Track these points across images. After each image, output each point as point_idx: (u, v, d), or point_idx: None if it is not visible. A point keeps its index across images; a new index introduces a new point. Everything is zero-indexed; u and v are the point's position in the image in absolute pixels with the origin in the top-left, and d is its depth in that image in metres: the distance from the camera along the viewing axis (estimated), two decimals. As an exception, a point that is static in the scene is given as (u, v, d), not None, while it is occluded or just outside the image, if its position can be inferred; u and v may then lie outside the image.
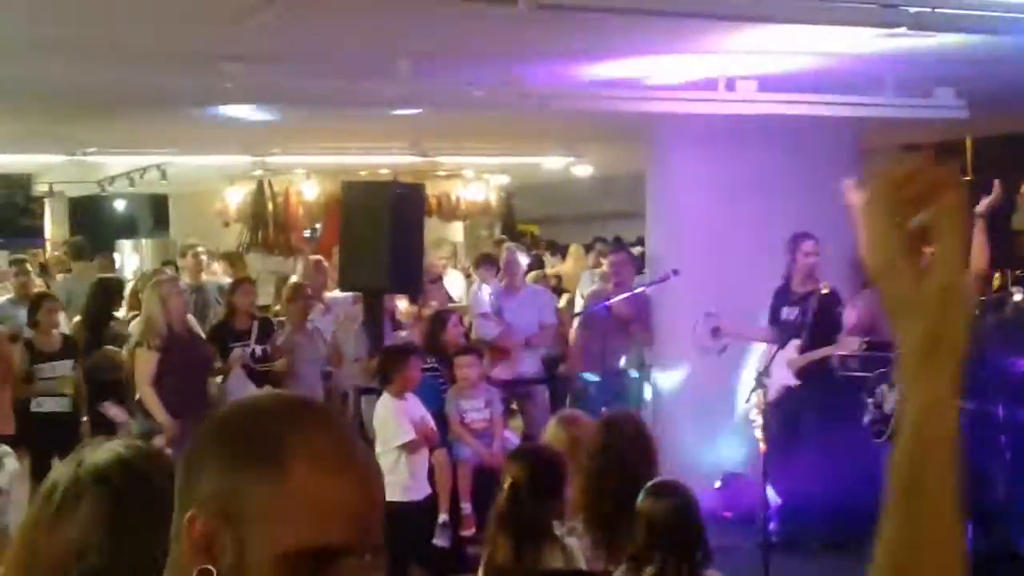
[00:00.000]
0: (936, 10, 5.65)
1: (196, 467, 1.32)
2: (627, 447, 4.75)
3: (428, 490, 7.47)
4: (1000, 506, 7.78)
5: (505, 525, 4.23)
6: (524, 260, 10.94)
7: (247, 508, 1.27)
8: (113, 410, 8.65)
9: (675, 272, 8.84)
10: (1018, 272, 10.57)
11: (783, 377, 8.08)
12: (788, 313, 8.29)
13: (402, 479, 7.22)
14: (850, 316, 8.16)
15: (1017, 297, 9.48)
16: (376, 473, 1.35)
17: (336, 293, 10.26)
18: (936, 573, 1.20)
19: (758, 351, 8.52)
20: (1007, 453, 7.29)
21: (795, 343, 8.08)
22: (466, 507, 7.78)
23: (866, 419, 7.39)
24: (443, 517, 7.65)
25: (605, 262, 10.78)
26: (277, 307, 11.09)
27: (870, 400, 7.36)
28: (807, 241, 8.27)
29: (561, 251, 16.23)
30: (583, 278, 12.71)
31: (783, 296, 8.40)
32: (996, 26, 5.86)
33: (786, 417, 7.99)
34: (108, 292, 9.67)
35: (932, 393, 1.20)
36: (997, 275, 11.04)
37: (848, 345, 7.71)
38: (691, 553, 4.04)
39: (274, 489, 1.26)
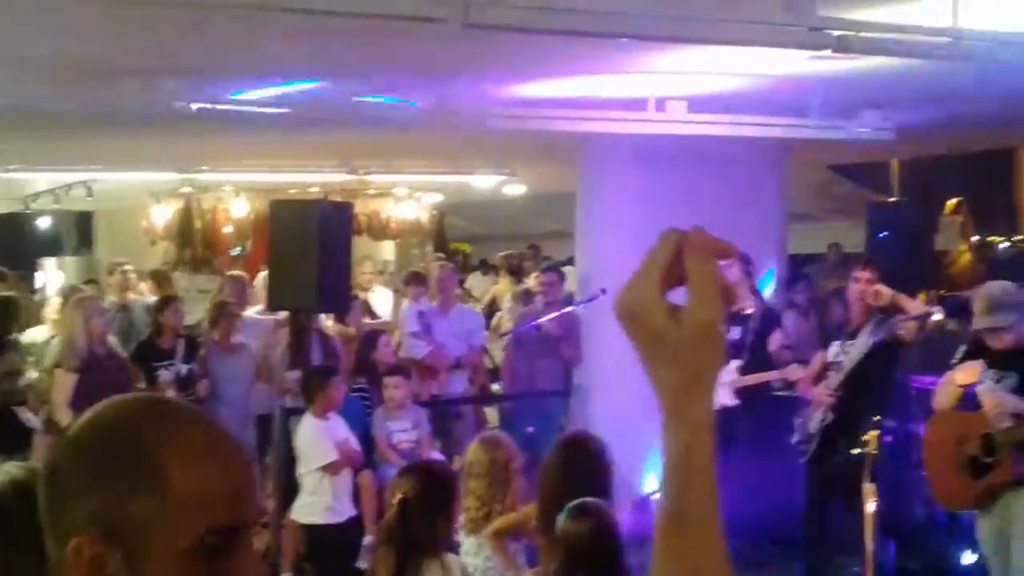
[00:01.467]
0: (860, 33, 5.72)
1: (62, 494, 1.27)
2: (588, 469, 4.79)
3: (352, 511, 7.41)
4: (921, 523, 7.88)
5: (391, 540, 4.24)
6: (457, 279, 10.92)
7: (133, 522, 1.24)
8: (26, 415, 8.43)
9: (603, 291, 8.85)
10: (940, 292, 10.72)
11: (721, 396, 8.09)
12: (728, 332, 8.33)
13: (325, 500, 7.16)
14: (774, 338, 8.22)
15: (938, 317, 9.63)
16: (238, 444, 1.36)
17: (252, 312, 10.17)
18: None
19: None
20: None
21: (735, 363, 8.07)
22: (392, 528, 7.70)
23: (794, 439, 7.42)
24: (368, 539, 7.59)
25: (532, 280, 10.79)
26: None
27: (799, 420, 7.41)
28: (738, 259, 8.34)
29: (493, 270, 16.22)
30: (506, 297, 12.69)
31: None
32: (919, 49, 5.94)
33: (718, 436, 8.01)
34: (5, 311, 9.30)
35: (694, 425, 1.25)
36: (921, 295, 11.21)
37: (793, 372, 7.75)
38: (611, 573, 4.05)
39: (156, 495, 1.25)
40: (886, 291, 7.14)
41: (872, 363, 7.09)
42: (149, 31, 6.12)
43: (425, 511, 4.24)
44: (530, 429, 8.71)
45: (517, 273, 13.36)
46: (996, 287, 6.10)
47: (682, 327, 1.23)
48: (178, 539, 1.25)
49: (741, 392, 7.99)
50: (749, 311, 8.11)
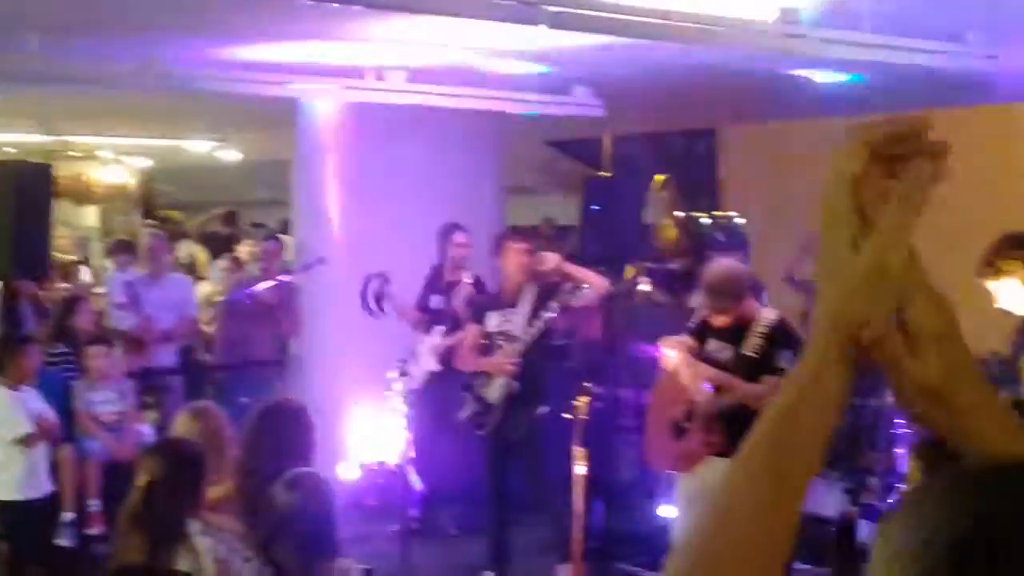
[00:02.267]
0: (573, 10, 5.83)
1: None
2: (285, 436, 4.68)
3: (50, 487, 7.05)
4: (628, 485, 8.19)
5: (138, 524, 4.03)
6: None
7: None
8: None
9: (321, 260, 8.75)
10: (648, 264, 11.13)
11: (428, 364, 8.15)
12: (437, 301, 8.38)
13: (17, 475, 6.80)
14: None
15: (645, 288, 10.01)
16: None
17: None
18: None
19: (402, 338, 8.54)
20: (634, 435, 7.65)
21: (441, 330, 8.16)
22: (94, 504, 7.39)
23: (465, 413, 7.28)
24: (68, 515, 7.25)
25: (244, 248, 10.56)
26: None
27: (467, 393, 7.29)
28: (458, 232, 8.38)
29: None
30: (213, 266, 12.36)
31: (433, 284, 8.47)
32: (630, 28, 6.10)
33: (429, 404, 8.07)
34: None
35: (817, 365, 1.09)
36: (629, 267, 11.61)
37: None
38: (318, 543, 4.01)
39: None
40: (552, 257, 7.32)
41: (548, 332, 7.27)
42: None
43: (173, 493, 4.04)
44: (245, 400, 8.53)
45: (212, 241, 13.06)
46: (718, 274, 6.31)
47: (856, 261, 1.06)
48: None
49: (443, 359, 8.04)
50: (464, 280, 8.16)
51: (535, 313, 7.09)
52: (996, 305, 5.16)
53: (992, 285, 5.09)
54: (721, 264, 6.47)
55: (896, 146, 1.09)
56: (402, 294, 8.48)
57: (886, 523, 0.94)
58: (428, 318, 8.38)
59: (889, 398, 6.22)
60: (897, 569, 0.89)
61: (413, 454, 7.48)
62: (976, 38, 6.84)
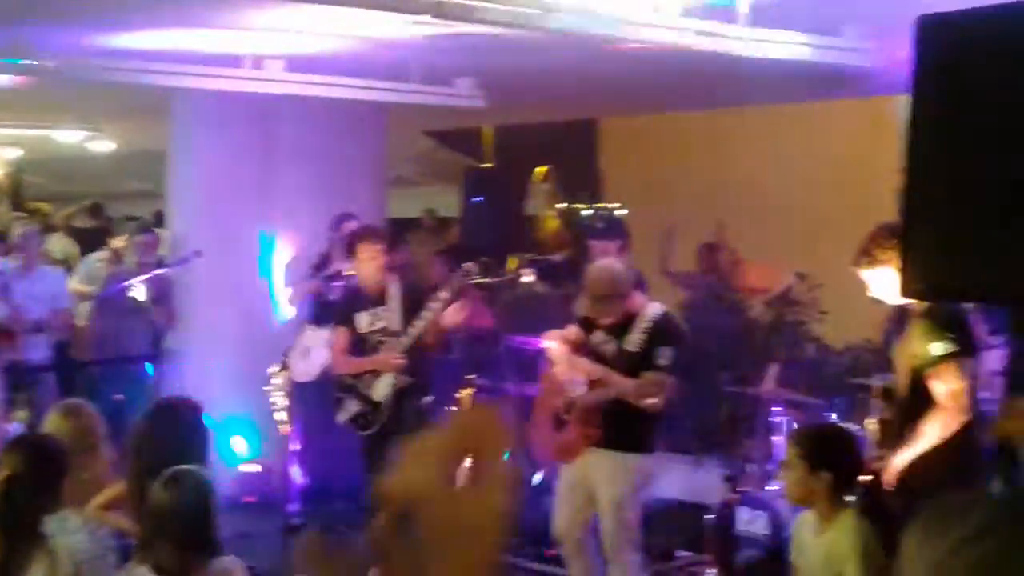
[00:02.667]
0: (456, 0, 5.80)
1: None
2: (181, 435, 4.60)
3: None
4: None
5: None
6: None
7: None
8: None
9: (198, 253, 8.59)
10: (530, 256, 11.17)
11: (322, 358, 8.02)
12: (325, 292, 8.26)
13: None
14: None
15: (528, 279, 10.04)
16: None
17: None
18: None
19: (287, 333, 8.42)
20: (519, 427, 7.65)
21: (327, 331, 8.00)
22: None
23: (345, 415, 7.15)
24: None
25: (119, 242, 10.31)
26: None
27: (348, 395, 7.14)
28: (350, 222, 8.28)
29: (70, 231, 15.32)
30: (84, 260, 12.02)
31: (317, 274, 8.36)
32: (512, 20, 6.10)
33: (314, 398, 7.97)
34: None
35: None
36: (512, 259, 11.64)
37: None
38: (196, 542, 3.95)
39: None
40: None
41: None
42: None
43: (34, 490, 3.91)
44: (119, 396, 8.35)
45: (80, 234, 12.74)
46: (600, 281, 6.29)
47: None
48: None
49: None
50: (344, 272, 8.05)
51: (412, 310, 7.01)
52: (869, 294, 5.28)
53: (867, 274, 5.20)
54: (602, 269, 6.46)
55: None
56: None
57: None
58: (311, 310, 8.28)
59: (766, 385, 6.35)
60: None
61: (296, 448, 7.38)
62: (850, 32, 7.00)
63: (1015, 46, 3.19)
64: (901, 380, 5.07)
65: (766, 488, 7.15)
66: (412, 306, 6.98)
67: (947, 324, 4.89)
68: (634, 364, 6.08)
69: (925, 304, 4.79)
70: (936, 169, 3.47)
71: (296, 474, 7.87)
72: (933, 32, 3.37)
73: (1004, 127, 3.17)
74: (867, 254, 5.16)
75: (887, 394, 5.23)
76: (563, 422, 6.33)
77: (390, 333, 7.03)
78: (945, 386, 4.85)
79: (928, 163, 3.49)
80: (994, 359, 6.71)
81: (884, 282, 5.04)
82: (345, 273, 8.00)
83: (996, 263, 3.30)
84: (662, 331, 6.17)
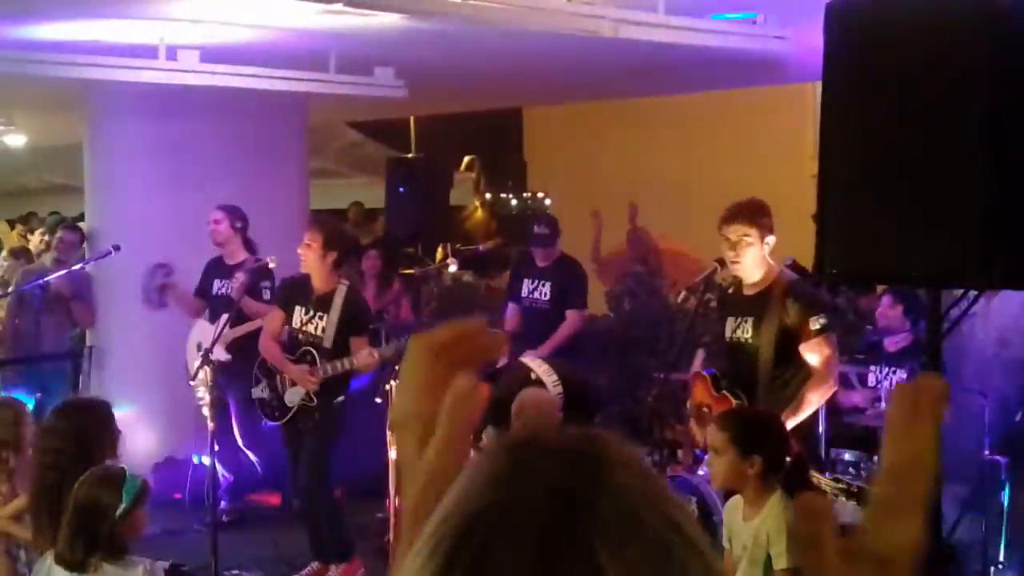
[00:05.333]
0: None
1: None
2: (91, 434, 4.52)
3: None
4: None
5: None
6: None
7: None
8: None
9: (116, 248, 8.44)
10: (456, 245, 11.15)
11: (219, 353, 7.86)
12: (219, 286, 8.11)
13: None
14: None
15: (453, 268, 10.01)
16: None
17: None
18: None
19: (202, 325, 8.28)
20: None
21: (224, 317, 7.79)
22: None
23: (261, 395, 7.09)
24: None
25: (34, 238, 10.13)
26: None
27: (265, 378, 7.06)
28: (216, 211, 8.10)
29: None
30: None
31: (215, 269, 8.20)
32: (430, 9, 6.06)
33: (227, 394, 7.83)
34: None
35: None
36: (439, 249, 11.60)
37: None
38: (119, 540, 3.92)
39: None
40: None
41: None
42: None
43: None
44: (37, 395, 8.20)
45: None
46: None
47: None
48: None
49: (232, 347, 7.80)
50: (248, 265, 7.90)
51: (347, 329, 6.82)
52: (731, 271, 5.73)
53: (729, 254, 5.61)
54: (529, 398, 5.70)
55: (456, 351, 1.22)
56: (192, 282, 8.22)
57: None
58: (208, 305, 8.12)
59: (694, 370, 6.37)
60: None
61: (217, 447, 7.26)
62: (768, 19, 7.04)
63: (921, 29, 3.22)
64: (766, 351, 5.45)
65: (698, 473, 7.17)
66: (348, 324, 6.83)
67: (819, 302, 5.60)
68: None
69: (793, 282, 5.49)
70: (848, 152, 3.49)
71: (222, 469, 7.76)
72: (842, 17, 3.39)
73: (909, 109, 3.20)
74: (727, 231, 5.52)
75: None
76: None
77: (314, 341, 6.86)
78: (821, 356, 5.37)
79: (840, 147, 3.51)
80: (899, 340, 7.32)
81: (746, 261, 5.49)
82: (243, 265, 7.83)
83: (907, 245, 3.34)
84: None
